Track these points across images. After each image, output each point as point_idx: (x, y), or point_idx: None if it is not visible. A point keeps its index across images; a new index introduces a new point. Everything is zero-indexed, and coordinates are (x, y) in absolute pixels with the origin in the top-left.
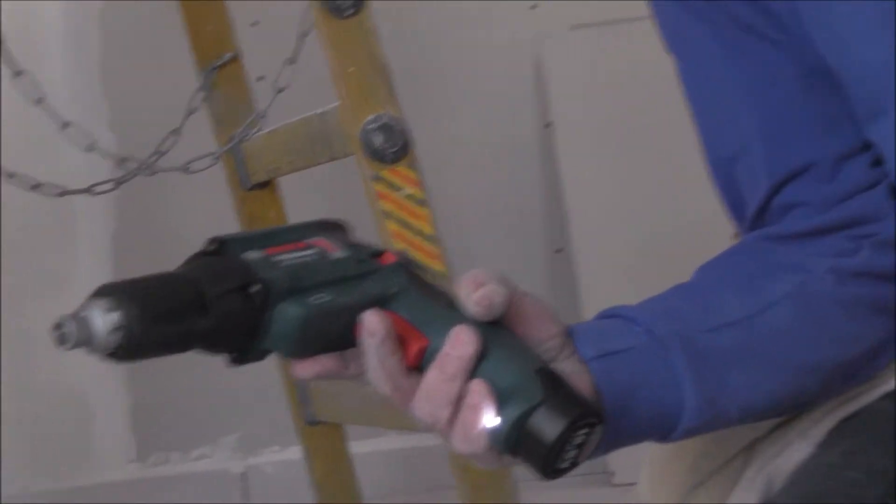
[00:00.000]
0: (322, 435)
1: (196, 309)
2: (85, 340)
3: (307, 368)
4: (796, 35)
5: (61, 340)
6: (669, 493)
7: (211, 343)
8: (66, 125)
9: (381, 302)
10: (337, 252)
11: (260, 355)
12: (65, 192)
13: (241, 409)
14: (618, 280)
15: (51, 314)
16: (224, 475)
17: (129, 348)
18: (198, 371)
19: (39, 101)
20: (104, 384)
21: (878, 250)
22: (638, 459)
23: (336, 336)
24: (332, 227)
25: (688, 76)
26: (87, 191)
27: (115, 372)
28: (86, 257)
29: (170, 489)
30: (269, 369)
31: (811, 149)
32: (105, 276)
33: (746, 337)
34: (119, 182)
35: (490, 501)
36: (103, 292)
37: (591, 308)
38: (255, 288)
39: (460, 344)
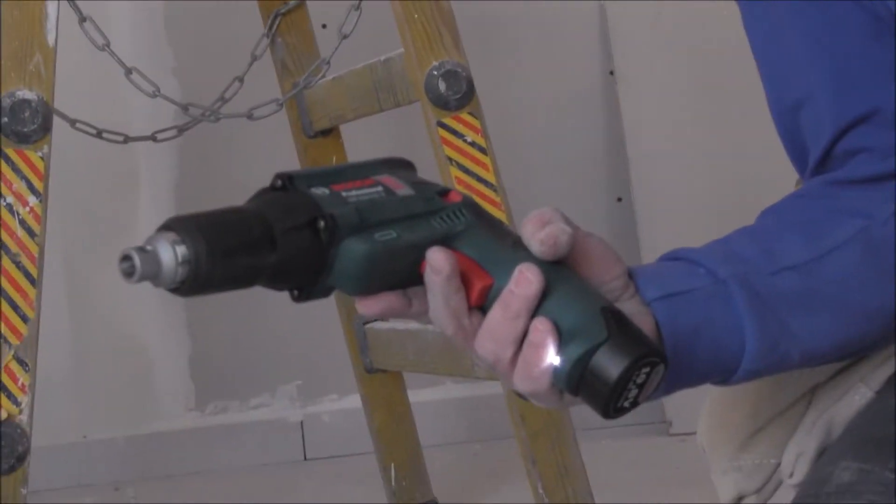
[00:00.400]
0: (381, 383)
1: (263, 244)
2: (152, 274)
3: (371, 305)
4: None
5: (128, 273)
6: (729, 438)
7: (276, 279)
8: (130, 71)
9: (446, 240)
10: (403, 189)
11: (325, 292)
12: (128, 139)
13: (299, 358)
14: (677, 231)
15: (112, 266)
16: (282, 424)
17: (195, 282)
18: (256, 320)
19: (105, 48)
20: (164, 333)
21: None
22: (695, 410)
23: (401, 273)
24: (398, 165)
25: (753, 23)
26: (151, 138)
27: (175, 321)
28: (148, 205)
29: (228, 438)
30: (328, 318)
31: (876, 95)
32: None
33: (809, 280)
34: (182, 129)
35: (549, 450)
36: (171, 226)
37: (651, 257)
38: (322, 223)
39: (524, 282)
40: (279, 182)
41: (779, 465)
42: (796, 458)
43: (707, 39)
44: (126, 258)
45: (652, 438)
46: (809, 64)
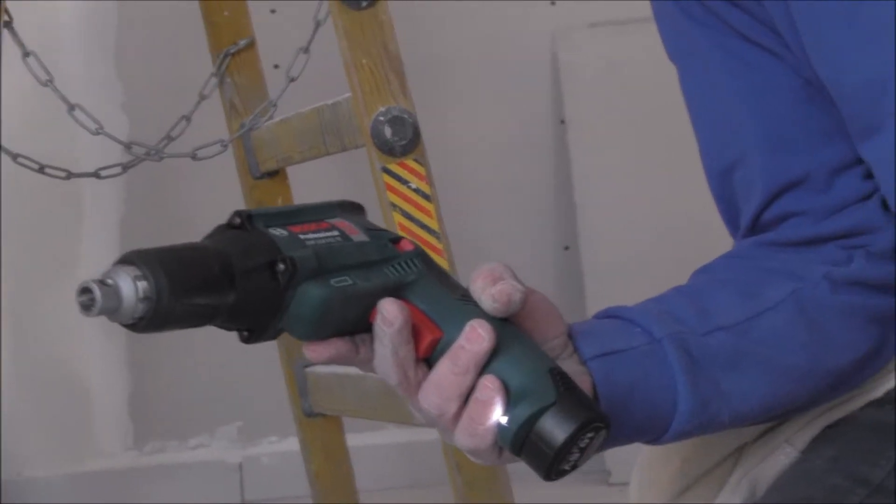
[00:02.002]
0: (320, 427)
1: (223, 283)
2: (111, 309)
3: (320, 351)
4: (794, 46)
5: (86, 306)
6: (658, 496)
7: (231, 318)
8: (73, 107)
9: (398, 290)
10: (358, 235)
11: (274, 334)
12: (71, 175)
13: (240, 400)
14: (624, 279)
15: (55, 299)
16: (221, 465)
17: (154, 319)
18: (198, 360)
19: (47, 83)
20: (104, 370)
21: (870, 260)
22: (635, 460)
23: (352, 320)
24: (350, 209)
25: (688, 84)
26: (94, 174)
27: (115, 358)
28: (92, 242)
29: (166, 478)
30: (269, 359)
31: (808, 160)
32: (111, 261)
33: (741, 341)
34: (126, 167)
35: (484, 499)
36: (131, 259)
37: (596, 306)
38: (281, 266)
39: (476, 338)
40: (237, 220)
41: None
42: None
43: (658, 90)
44: (86, 290)
45: (591, 487)
46: (742, 126)
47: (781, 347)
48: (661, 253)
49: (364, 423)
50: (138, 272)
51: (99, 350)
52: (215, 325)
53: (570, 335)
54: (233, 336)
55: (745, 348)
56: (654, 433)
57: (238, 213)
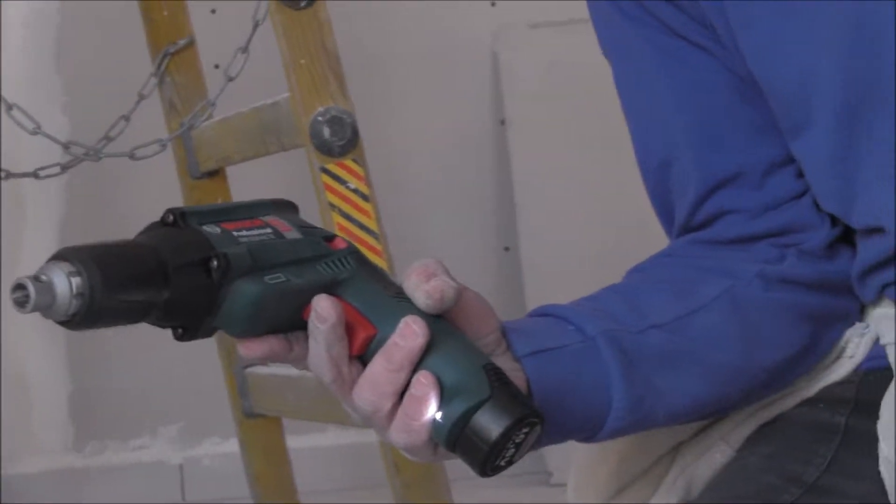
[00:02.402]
0: (260, 428)
1: (157, 279)
2: (45, 305)
3: (254, 348)
4: (727, 43)
5: (20, 302)
6: (595, 496)
7: (165, 316)
8: (11, 107)
9: (331, 287)
10: (291, 233)
11: (208, 332)
12: (10, 175)
13: (181, 400)
14: (564, 280)
15: None
16: (161, 466)
17: (87, 315)
18: (139, 360)
19: None
20: (44, 370)
21: (802, 259)
22: None
23: (286, 318)
24: (283, 207)
25: (621, 80)
26: (33, 175)
27: (55, 357)
28: (33, 242)
29: (107, 479)
30: (210, 360)
31: (740, 157)
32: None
33: (674, 339)
34: (65, 167)
35: (422, 499)
36: (65, 255)
37: (535, 306)
38: (215, 263)
39: (410, 335)
40: (170, 217)
41: None
42: None
43: (598, 90)
44: (20, 287)
45: (532, 489)
46: (675, 123)
47: (715, 345)
48: (600, 253)
49: (304, 424)
50: (72, 268)
51: (39, 348)
52: (149, 322)
53: (504, 332)
54: (174, 336)
55: (679, 346)
56: (588, 430)
57: (171, 211)
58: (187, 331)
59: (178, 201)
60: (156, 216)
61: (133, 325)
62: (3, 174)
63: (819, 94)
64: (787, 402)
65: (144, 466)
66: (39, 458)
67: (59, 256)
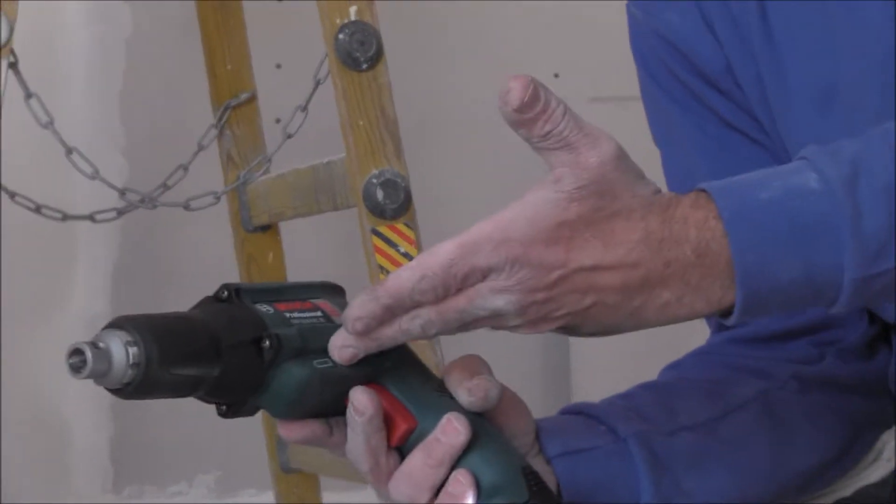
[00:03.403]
0: (296, 483)
1: (210, 356)
2: (100, 372)
3: (295, 430)
4: (772, 133)
5: (76, 368)
6: None
7: (212, 392)
8: (70, 151)
9: (375, 376)
10: (340, 318)
11: (251, 411)
12: (67, 217)
13: (220, 450)
14: (609, 352)
15: (42, 340)
16: None
17: (140, 385)
18: (181, 408)
19: (47, 126)
20: (86, 412)
21: (841, 358)
22: None
23: (329, 403)
24: (332, 291)
25: (670, 167)
26: (90, 217)
27: (99, 401)
28: (84, 285)
29: None
30: None
31: None
32: (102, 306)
33: (706, 440)
34: (121, 212)
35: None
36: (122, 325)
37: (582, 378)
38: (267, 343)
39: (452, 432)
40: (225, 293)
41: None
42: None
43: (657, 166)
44: (77, 352)
45: None
46: None
47: (746, 448)
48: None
49: (341, 480)
50: (129, 338)
51: (84, 392)
52: (196, 397)
53: (536, 432)
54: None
55: (710, 448)
56: None
57: (226, 287)
58: (231, 408)
59: (229, 253)
60: (208, 266)
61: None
62: (60, 216)
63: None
64: (823, 500)
65: None
66: (77, 499)
67: (116, 325)
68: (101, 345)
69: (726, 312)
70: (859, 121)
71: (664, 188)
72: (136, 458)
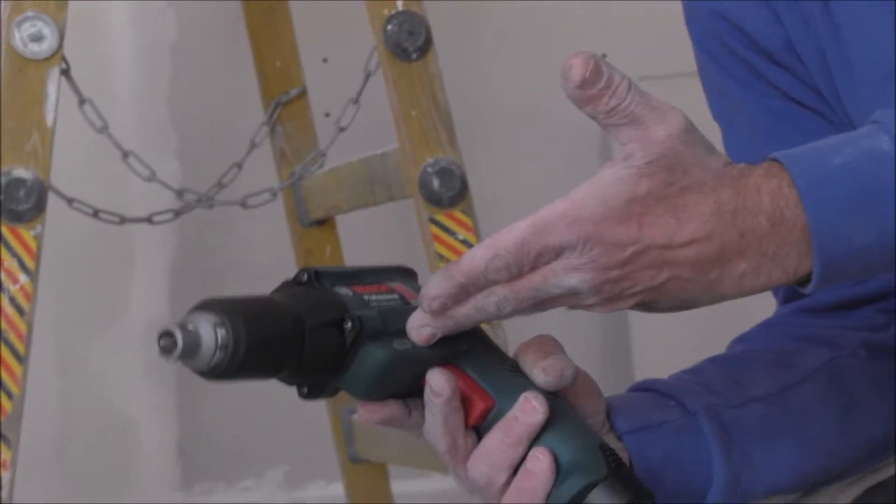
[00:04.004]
0: (364, 473)
1: (295, 338)
2: (189, 354)
3: (376, 411)
4: (836, 105)
5: (167, 350)
6: None
7: (295, 374)
8: (127, 154)
9: (452, 357)
10: (416, 300)
11: (332, 392)
12: (124, 220)
13: (288, 444)
14: (671, 331)
15: (104, 344)
16: None
17: (228, 367)
18: (246, 404)
19: (102, 130)
20: (153, 413)
21: None
22: None
23: (407, 384)
24: (406, 274)
25: (732, 145)
26: (147, 220)
27: (165, 401)
28: (142, 286)
29: None
30: (316, 405)
31: None
32: (161, 307)
33: (774, 412)
34: (178, 213)
35: None
36: (210, 307)
37: (643, 357)
38: (349, 324)
39: (530, 410)
40: (304, 276)
41: None
42: None
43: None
44: (168, 334)
45: None
46: None
47: (816, 419)
48: (708, 314)
49: (409, 469)
50: (217, 319)
51: (147, 393)
52: (279, 379)
53: (607, 410)
54: (280, 383)
55: (779, 419)
56: None
57: (305, 270)
58: (312, 390)
59: (287, 249)
60: (265, 263)
61: (263, 381)
62: (118, 219)
63: None
64: (891, 469)
65: None
66: (147, 499)
67: (203, 307)
68: (189, 327)
69: (803, 281)
70: None
71: None
72: (204, 455)
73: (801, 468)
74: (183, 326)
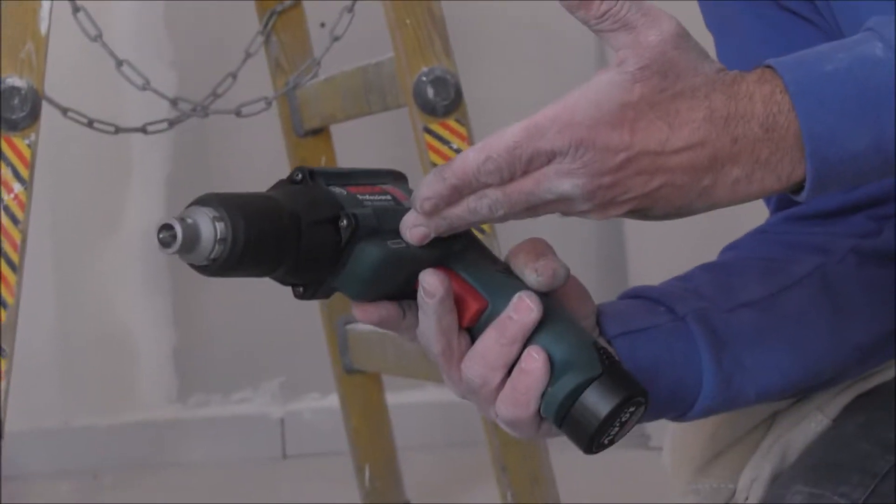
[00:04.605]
0: (359, 384)
1: (292, 234)
2: (189, 247)
3: (370, 311)
4: (827, 14)
5: (166, 242)
6: (689, 461)
7: (290, 271)
8: (121, 63)
9: (445, 259)
10: (408, 202)
11: (327, 292)
12: (119, 130)
13: (283, 356)
14: (666, 252)
15: (101, 254)
16: (263, 420)
17: (227, 261)
18: (241, 316)
19: (97, 38)
20: (149, 324)
21: None
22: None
23: (401, 284)
24: (398, 177)
25: (724, 53)
26: (142, 130)
27: (161, 312)
28: (138, 196)
29: (208, 431)
30: (312, 316)
31: None
32: (157, 216)
33: (765, 317)
34: (173, 123)
35: (520, 459)
36: (208, 201)
37: (638, 280)
38: (344, 221)
39: (524, 309)
40: (299, 175)
41: (735, 490)
42: (751, 482)
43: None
44: (167, 227)
45: (630, 451)
46: None
47: (805, 323)
48: (703, 216)
49: (403, 381)
50: (216, 213)
51: (144, 304)
52: (274, 278)
53: (597, 316)
54: (276, 293)
55: (769, 324)
56: (679, 409)
57: (300, 170)
58: (307, 289)
59: (282, 159)
60: (260, 173)
61: (258, 278)
62: (113, 129)
63: None
64: (887, 374)
65: (246, 420)
66: (144, 409)
67: (202, 201)
68: (188, 220)
69: (797, 188)
70: None
71: None
72: (200, 367)
73: (791, 372)
74: (182, 220)
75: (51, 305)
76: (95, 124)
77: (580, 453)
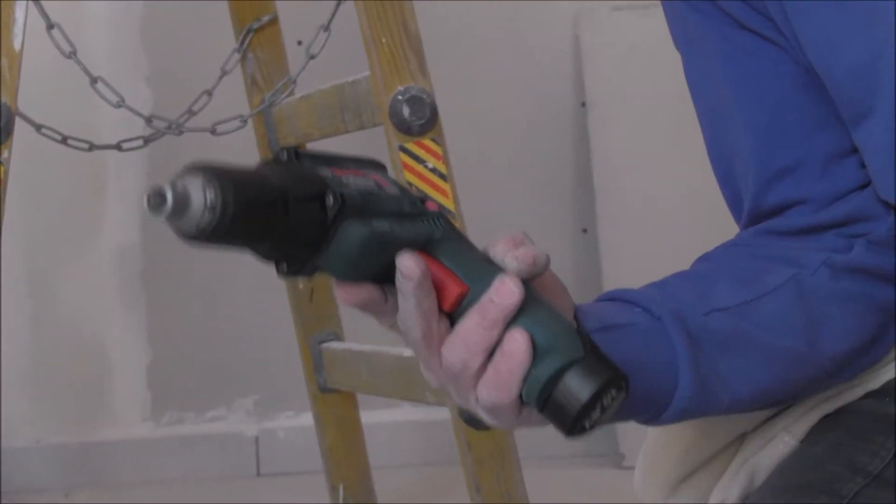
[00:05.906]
0: (334, 403)
1: (279, 207)
2: (178, 212)
3: (354, 292)
4: (788, 34)
5: (156, 207)
6: (661, 482)
7: (276, 247)
8: (95, 80)
9: (427, 244)
10: (391, 188)
11: (311, 270)
12: (94, 147)
13: (257, 373)
14: (641, 262)
15: (78, 269)
16: (237, 438)
17: (216, 230)
18: (216, 333)
19: (71, 55)
20: (124, 340)
21: (870, 249)
22: None
23: (385, 267)
24: (379, 167)
25: (690, 72)
26: (116, 147)
27: (136, 328)
28: (113, 214)
29: (182, 449)
30: (286, 334)
31: (802, 146)
32: (133, 235)
33: (739, 323)
34: (148, 140)
35: (494, 477)
36: (199, 170)
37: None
38: (330, 199)
39: (506, 292)
40: (285, 155)
41: None
42: None
43: (679, 74)
44: (158, 192)
45: (603, 470)
46: (737, 113)
47: (779, 332)
48: (679, 237)
49: (378, 399)
50: (207, 181)
51: (119, 320)
52: (258, 253)
53: (574, 312)
54: (252, 310)
55: (743, 331)
56: (654, 410)
57: (286, 149)
58: (291, 266)
59: None
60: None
61: (244, 251)
62: (87, 146)
63: (880, 83)
64: (852, 393)
65: (221, 438)
66: (117, 427)
67: (193, 170)
68: (180, 186)
69: None
70: (880, 13)
71: (686, 90)
72: (175, 384)
73: (764, 381)
74: (173, 185)
75: (24, 322)
76: (70, 141)
77: (554, 472)
